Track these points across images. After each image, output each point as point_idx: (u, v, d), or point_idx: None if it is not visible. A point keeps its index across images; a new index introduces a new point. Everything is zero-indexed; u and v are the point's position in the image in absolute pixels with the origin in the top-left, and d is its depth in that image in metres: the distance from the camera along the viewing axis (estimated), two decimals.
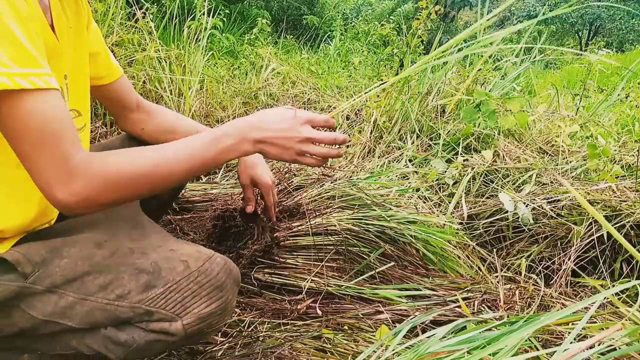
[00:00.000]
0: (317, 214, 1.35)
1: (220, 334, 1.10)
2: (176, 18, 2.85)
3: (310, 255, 1.29)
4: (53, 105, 0.66)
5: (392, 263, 1.31)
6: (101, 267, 0.76)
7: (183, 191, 1.67)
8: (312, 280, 1.24)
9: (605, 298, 1.25)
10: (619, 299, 1.33)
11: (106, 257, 0.78)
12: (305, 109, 2.84)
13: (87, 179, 0.67)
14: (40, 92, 0.65)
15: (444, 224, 1.54)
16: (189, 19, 2.92)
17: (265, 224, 1.28)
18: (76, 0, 0.90)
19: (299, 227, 1.32)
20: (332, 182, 1.49)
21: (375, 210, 1.38)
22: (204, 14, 2.92)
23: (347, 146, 2.43)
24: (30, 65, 0.64)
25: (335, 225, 1.31)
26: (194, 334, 0.76)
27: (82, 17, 0.91)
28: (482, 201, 1.77)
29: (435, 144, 2.21)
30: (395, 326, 1.11)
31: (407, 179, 1.93)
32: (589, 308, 0.69)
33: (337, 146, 0.91)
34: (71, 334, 0.77)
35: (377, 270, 1.28)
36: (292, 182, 1.52)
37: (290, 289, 1.25)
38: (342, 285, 1.24)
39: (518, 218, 1.62)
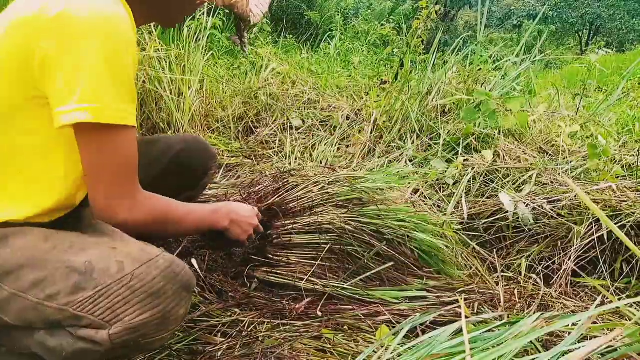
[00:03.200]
0: (312, 212, 1.35)
1: (220, 334, 1.10)
2: None
3: (305, 254, 1.29)
4: (135, 143, 0.81)
5: (391, 263, 1.30)
6: (37, 261, 0.73)
7: None
8: (308, 280, 1.23)
9: (605, 298, 1.25)
10: (619, 299, 1.33)
11: (47, 250, 0.74)
12: (305, 108, 2.84)
13: (145, 213, 0.84)
14: (133, 129, 0.79)
15: (444, 222, 1.54)
16: (188, 18, 2.92)
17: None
18: None
19: (293, 225, 1.31)
20: (329, 182, 1.48)
21: (371, 208, 1.38)
22: (203, 13, 2.92)
23: (347, 146, 2.43)
24: (133, 103, 0.79)
25: (329, 224, 1.31)
26: (125, 344, 0.70)
27: None
28: (482, 201, 1.77)
29: (435, 143, 2.20)
30: (395, 327, 1.11)
31: (407, 178, 1.92)
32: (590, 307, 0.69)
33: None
34: (17, 332, 0.74)
35: (373, 272, 1.28)
36: (287, 181, 1.51)
37: (287, 290, 1.24)
38: (339, 287, 1.23)
39: (518, 218, 1.62)
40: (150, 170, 1.16)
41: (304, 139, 2.51)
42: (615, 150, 2.08)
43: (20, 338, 0.75)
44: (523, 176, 1.86)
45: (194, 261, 1.28)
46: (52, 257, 0.73)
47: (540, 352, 0.66)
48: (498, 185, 1.85)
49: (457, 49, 2.82)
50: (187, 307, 0.77)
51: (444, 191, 1.87)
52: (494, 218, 1.68)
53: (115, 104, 0.74)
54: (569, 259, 1.48)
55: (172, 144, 1.21)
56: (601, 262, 1.47)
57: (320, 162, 2.22)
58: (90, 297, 0.70)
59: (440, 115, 2.35)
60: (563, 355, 0.54)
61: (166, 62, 2.45)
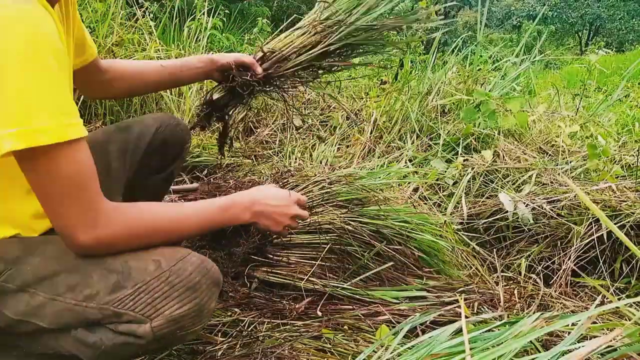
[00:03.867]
0: (312, 212, 1.35)
1: (220, 333, 1.10)
2: (176, 18, 2.84)
3: (305, 254, 1.29)
4: (85, 154, 0.71)
5: (391, 263, 1.30)
6: (71, 267, 0.74)
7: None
8: (308, 280, 1.23)
9: (605, 298, 1.25)
10: (619, 299, 1.33)
11: (77, 255, 0.75)
12: (305, 109, 2.84)
13: (112, 227, 0.74)
14: (77, 141, 0.69)
15: (444, 222, 1.54)
16: (189, 18, 2.92)
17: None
18: None
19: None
20: (329, 182, 1.48)
21: (371, 208, 1.38)
22: (204, 13, 2.92)
23: (347, 146, 2.43)
24: (73, 114, 0.69)
25: (329, 224, 1.31)
26: (164, 337, 0.73)
27: (70, 3, 0.90)
28: (482, 201, 1.77)
29: (435, 144, 2.21)
30: (395, 326, 1.11)
31: (407, 178, 1.93)
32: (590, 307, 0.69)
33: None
34: (47, 334, 0.75)
35: (373, 272, 1.28)
36: (287, 181, 1.51)
37: (287, 290, 1.25)
38: (339, 287, 1.23)
39: (518, 218, 1.62)
40: (133, 155, 1.16)
41: (303, 139, 2.52)
42: (615, 150, 2.08)
43: (46, 340, 0.76)
44: (523, 176, 1.86)
45: None
46: (85, 262, 0.75)
47: (540, 352, 0.66)
48: (498, 185, 1.85)
49: (457, 49, 2.83)
50: (216, 302, 0.80)
51: (443, 191, 1.87)
52: (493, 218, 1.68)
53: (48, 120, 0.65)
54: (568, 259, 1.48)
55: (148, 125, 1.20)
56: (601, 262, 1.47)
57: (320, 162, 2.22)
58: (130, 295, 0.72)
59: (440, 115, 2.35)
60: (563, 355, 0.54)
61: None
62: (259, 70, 1.18)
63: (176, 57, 2.55)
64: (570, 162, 1.96)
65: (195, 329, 0.76)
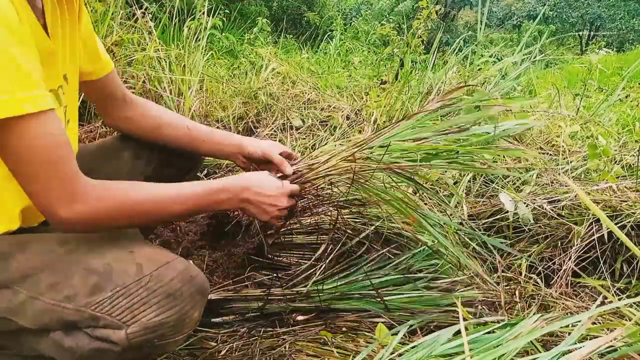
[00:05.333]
0: (312, 212, 1.35)
1: (220, 333, 1.10)
2: (176, 18, 2.84)
3: (305, 254, 1.29)
4: (54, 126, 0.68)
5: (391, 264, 1.30)
6: (55, 265, 0.73)
7: None
8: (307, 280, 1.23)
9: (606, 298, 1.25)
10: (619, 299, 1.33)
11: (63, 254, 0.74)
12: (305, 108, 2.84)
13: (91, 202, 0.72)
14: (42, 114, 0.66)
15: (444, 222, 1.54)
16: (188, 18, 2.92)
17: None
18: None
19: (294, 225, 1.31)
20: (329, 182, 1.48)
21: (371, 208, 1.37)
22: (203, 13, 2.92)
23: None
24: (31, 88, 0.65)
25: (329, 224, 1.30)
26: (141, 345, 0.70)
27: (74, 3, 0.87)
28: (483, 201, 1.77)
29: None
30: (395, 327, 1.11)
31: None
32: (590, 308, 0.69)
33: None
34: (28, 335, 0.74)
35: (374, 275, 1.27)
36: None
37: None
38: (339, 288, 1.23)
39: (518, 218, 1.62)
40: (147, 164, 1.13)
41: (304, 139, 2.51)
42: (616, 150, 2.08)
43: (29, 341, 0.75)
44: (523, 176, 1.86)
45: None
46: (69, 260, 0.73)
47: (540, 352, 0.66)
48: (498, 185, 1.84)
49: (458, 49, 2.83)
50: (201, 311, 0.77)
51: (444, 191, 1.87)
52: (494, 218, 1.68)
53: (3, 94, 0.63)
54: (569, 259, 1.47)
55: None
56: (601, 262, 1.47)
57: None
58: (108, 298, 0.70)
59: None
60: (563, 355, 0.54)
61: (166, 62, 2.45)
62: (289, 170, 1.09)
63: (176, 57, 2.54)
64: (571, 162, 1.96)
65: (176, 338, 0.73)
